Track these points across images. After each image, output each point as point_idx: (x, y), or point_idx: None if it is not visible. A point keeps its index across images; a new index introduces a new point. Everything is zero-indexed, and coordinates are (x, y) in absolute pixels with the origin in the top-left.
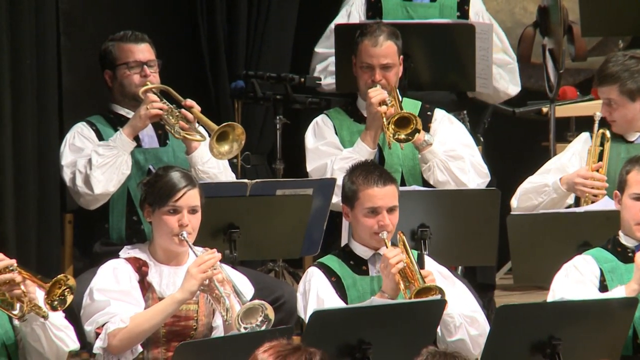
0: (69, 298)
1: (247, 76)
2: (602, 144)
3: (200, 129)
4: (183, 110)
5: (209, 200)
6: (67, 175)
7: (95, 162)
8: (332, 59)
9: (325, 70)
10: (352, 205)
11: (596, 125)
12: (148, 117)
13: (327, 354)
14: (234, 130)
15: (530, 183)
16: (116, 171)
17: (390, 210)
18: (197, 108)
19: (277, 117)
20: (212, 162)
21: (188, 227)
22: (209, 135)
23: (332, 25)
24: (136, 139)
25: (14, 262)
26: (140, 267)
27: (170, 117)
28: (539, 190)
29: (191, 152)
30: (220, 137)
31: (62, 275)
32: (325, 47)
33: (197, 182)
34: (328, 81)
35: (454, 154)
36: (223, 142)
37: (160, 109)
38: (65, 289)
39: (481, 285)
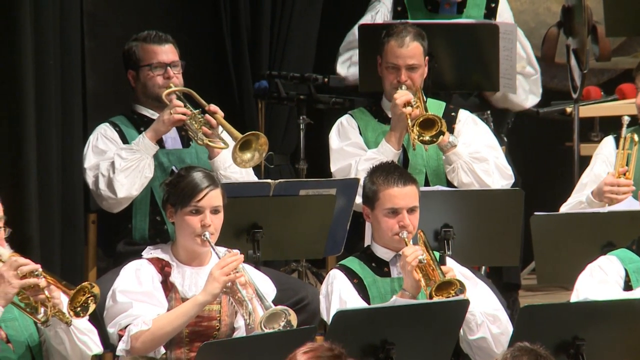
0: (92, 306)
1: (270, 76)
2: (630, 147)
3: (224, 134)
4: (206, 116)
5: (232, 201)
6: (89, 178)
7: (118, 165)
8: (356, 51)
9: (349, 60)
10: (373, 206)
11: (624, 129)
12: (172, 122)
13: (351, 354)
14: (257, 140)
15: (567, 205)
16: (139, 175)
17: (411, 210)
18: (220, 114)
19: (301, 117)
20: (235, 167)
21: (210, 227)
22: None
23: (354, 30)
24: (159, 140)
25: (39, 267)
26: (162, 268)
27: (194, 123)
28: (576, 209)
29: (214, 157)
30: (243, 145)
31: (87, 282)
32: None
33: (219, 182)
34: (352, 71)
35: (478, 156)
36: (246, 150)
37: (184, 114)
38: (90, 296)
39: (506, 284)
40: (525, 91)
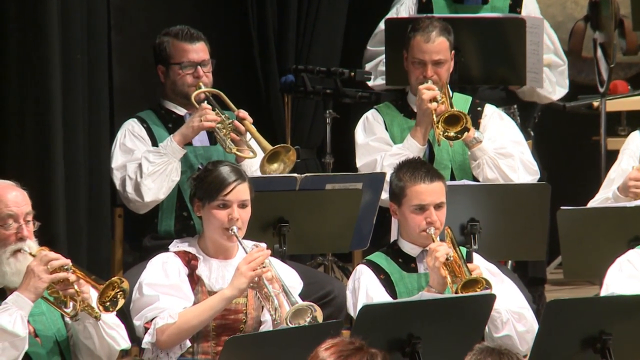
0: (121, 301)
1: (297, 70)
2: None
3: (252, 142)
4: (235, 122)
5: (259, 195)
6: (117, 179)
7: (145, 170)
8: (382, 58)
9: (375, 69)
10: (400, 202)
11: None
12: (201, 128)
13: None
14: (286, 153)
15: (594, 201)
16: (166, 179)
17: (438, 206)
18: (249, 120)
19: (327, 112)
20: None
21: (238, 221)
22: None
23: (381, 24)
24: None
25: (68, 261)
26: (189, 261)
27: (222, 129)
28: (604, 204)
29: (240, 162)
30: (271, 156)
31: (116, 277)
32: (376, 45)
33: (246, 176)
34: (378, 82)
35: (503, 152)
36: (273, 161)
37: (213, 121)
38: (119, 291)
39: (532, 279)
40: (552, 83)
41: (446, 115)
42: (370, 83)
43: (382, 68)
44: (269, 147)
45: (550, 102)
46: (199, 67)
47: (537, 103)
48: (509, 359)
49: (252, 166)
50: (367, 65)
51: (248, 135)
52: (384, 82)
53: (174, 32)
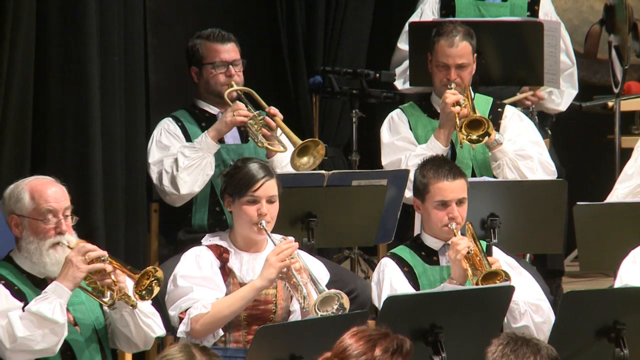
0: (156, 289)
1: (324, 72)
2: None
3: (282, 137)
4: (266, 118)
5: (288, 190)
6: (153, 173)
7: (181, 164)
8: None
9: (404, 73)
10: (423, 198)
11: None
12: (234, 123)
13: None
14: (315, 146)
15: (622, 190)
16: (201, 172)
17: (460, 202)
18: (279, 116)
19: (353, 111)
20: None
21: (266, 216)
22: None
23: (407, 24)
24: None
25: (105, 253)
26: (221, 254)
27: (254, 124)
28: (635, 192)
29: (271, 157)
30: (301, 150)
31: (151, 267)
32: (406, 43)
33: (274, 173)
34: (406, 87)
35: (523, 153)
36: (303, 155)
37: (245, 117)
38: (153, 280)
39: (550, 271)
40: (561, 93)
41: (469, 120)
42: (399, 86)
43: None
44: (299, 141)
45: None
46: (230, 66)
47: None
48: (546, 351)
49: (283, 161)
50: (397, 70)
51: (279, 131)
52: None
53: (206, 35)
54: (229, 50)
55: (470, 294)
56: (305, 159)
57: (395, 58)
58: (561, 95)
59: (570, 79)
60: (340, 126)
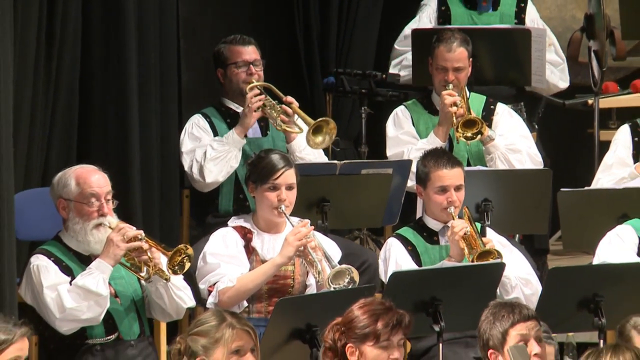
0: (187, 265)
1: (337, 73)
2: None
3: (299, 121)
4: (284, 106)
5: (305, 178)
6: (186, 162)
7: (209, 155)
8: (406, 55)
9: (400, 64)
10: (425, 185)
11: None
12: (252, 111)
13: (405, 309)
14: (327, 125)
15: (605, 179)
16: (226, 164)
17: (457, 188)
18: (295, 104)
19: (363, 108)
20: (308, 150)
21: (286, 201)
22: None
23: (406, 29)
24: None
25: (142, 232)
26: (245, 234)
27: (273, 112)
28: (619, 183)
29: (290, 142)
30: (315, 130)
31: (182, 245)
32: (402, 46)
33: (293, 163)
34: (403, 73)
35: (513, 147)
36: (318, 134)
37: (260, 101)
38: (185, 257)
39: (537, 250)
40: (557, 77)
41: (464, 119)
42: (391, 70)
43: (406, 63)
44: (312, 121)
45: (553, 100)
46: (251, 65)
47: (541, 101)
48: (520, 310)
49: (301, 145)
50: (393, 61)
51: (296, 117)
52: (406, 74)
53: (229, 39)
54: (250, 52)
55: (467, 270)
56: (320, 138)
57: (393, 55)
58: (557, 77)
59: (562, 73)
60: (351, 122)
